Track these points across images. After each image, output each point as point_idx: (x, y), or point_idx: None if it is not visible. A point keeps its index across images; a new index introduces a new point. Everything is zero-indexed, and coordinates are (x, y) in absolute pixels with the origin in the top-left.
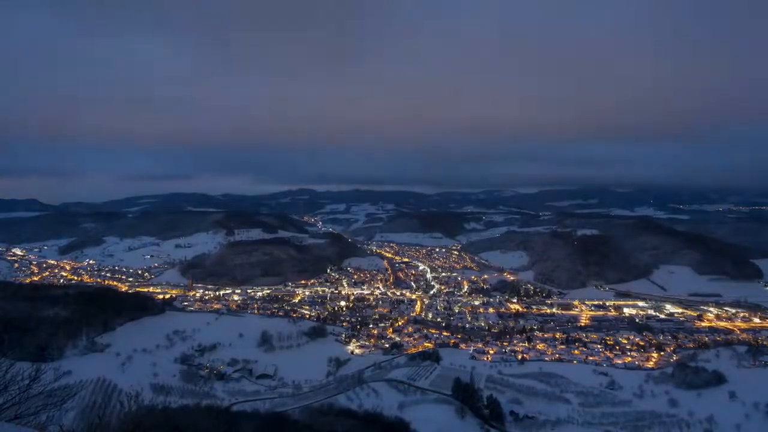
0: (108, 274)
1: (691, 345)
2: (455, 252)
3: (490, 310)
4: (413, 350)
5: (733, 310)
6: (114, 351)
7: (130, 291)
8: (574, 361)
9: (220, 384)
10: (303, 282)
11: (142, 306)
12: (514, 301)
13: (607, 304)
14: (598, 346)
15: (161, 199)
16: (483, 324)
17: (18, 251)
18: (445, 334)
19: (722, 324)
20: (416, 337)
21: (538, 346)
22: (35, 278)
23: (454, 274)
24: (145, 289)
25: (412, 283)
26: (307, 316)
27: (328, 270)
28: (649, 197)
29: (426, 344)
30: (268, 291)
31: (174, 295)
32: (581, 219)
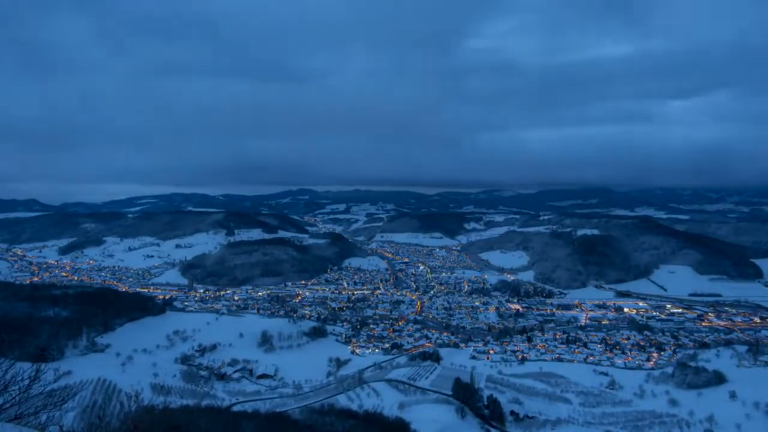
0: (108, 275)
1: (692, 345)
2: (455, 252)
3: (490, 310)
4: (413, 350)
5: (734, 310)
6: (114, 351)
7: (130, 291)
8: (575, 361)
9: (220, 384)
10: (303, 282)
11: (142, 306)
12: (514, 301)
13: (608, 304)
14: (599, 346)
15: (161, 200)
16: (483, 324)
17: (18, 251)
18: (445, 334)
19: (722, 324)
20: (416, 337)
21: (538, 346)
22: (35, 278)
23: (455, 274)
24: (146, 290)
25: (413, 283)
26: (308, 316)
27: (328, 270)
28: (649, 197)
29: (426, 344)
30: (269, 291)
31: (174, 295)
32: (581, 219)
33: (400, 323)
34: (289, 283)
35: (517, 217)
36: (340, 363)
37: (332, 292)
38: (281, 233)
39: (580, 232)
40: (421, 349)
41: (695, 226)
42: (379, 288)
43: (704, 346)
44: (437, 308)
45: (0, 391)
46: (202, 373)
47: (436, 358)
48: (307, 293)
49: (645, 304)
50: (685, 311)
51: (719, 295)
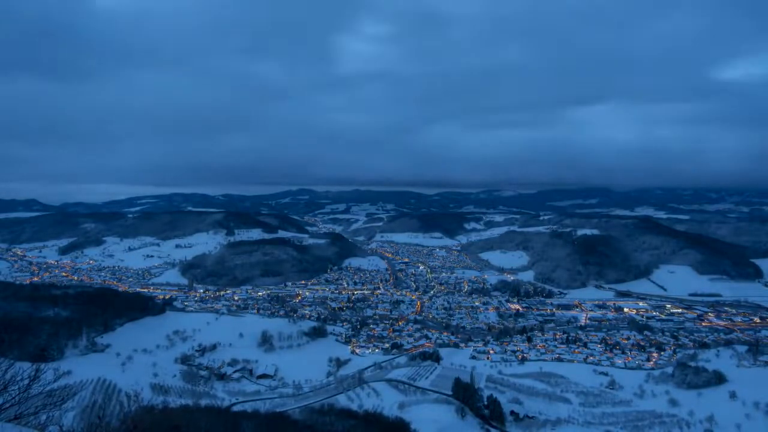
0: (108, 275)
1: (692, 345)
2: (455, 252)
3: (490, 310)
4: (413, 350)
5: (734, 310)
6: (114, 351)
7: (130, 291)
8: (575, 361)
9: (220, 384)
10: (303, 282)
11: (142, 306)
12: (514, 301)
13: (608, 304)
14: (599, 346)
15: (161, 200)
16: (483, 324)
17: (18, 251)
18: (445, 334)
19: (722, 324)
20: (416, 337)
21: (538, 346)
22: (35, 278)
23: (455, 274)
24: (146, 290)
25: (413, 283)
26: (308, 316)
27: (328, 270)
28: (649, 197)
29: (426, 344)
30: (269, 291)
31: (174, 296)
32: (581, 219)
33: (400, 323)
34: (289, 283)
35: (517, 217)
36: (340, 363)
37: (332, 292)
38: (281, 233)
39: (580, 232)
40: (421, 349)
41: (695, 226)
42: (379, 288)
43: (704, 346)
44: (437, 308)
45: (0, 391)
46: (202, 373)
47: (436, 358)
48: (307, 293)
49: (645, 304)
50: (685, 311)
51: (719, 295)
